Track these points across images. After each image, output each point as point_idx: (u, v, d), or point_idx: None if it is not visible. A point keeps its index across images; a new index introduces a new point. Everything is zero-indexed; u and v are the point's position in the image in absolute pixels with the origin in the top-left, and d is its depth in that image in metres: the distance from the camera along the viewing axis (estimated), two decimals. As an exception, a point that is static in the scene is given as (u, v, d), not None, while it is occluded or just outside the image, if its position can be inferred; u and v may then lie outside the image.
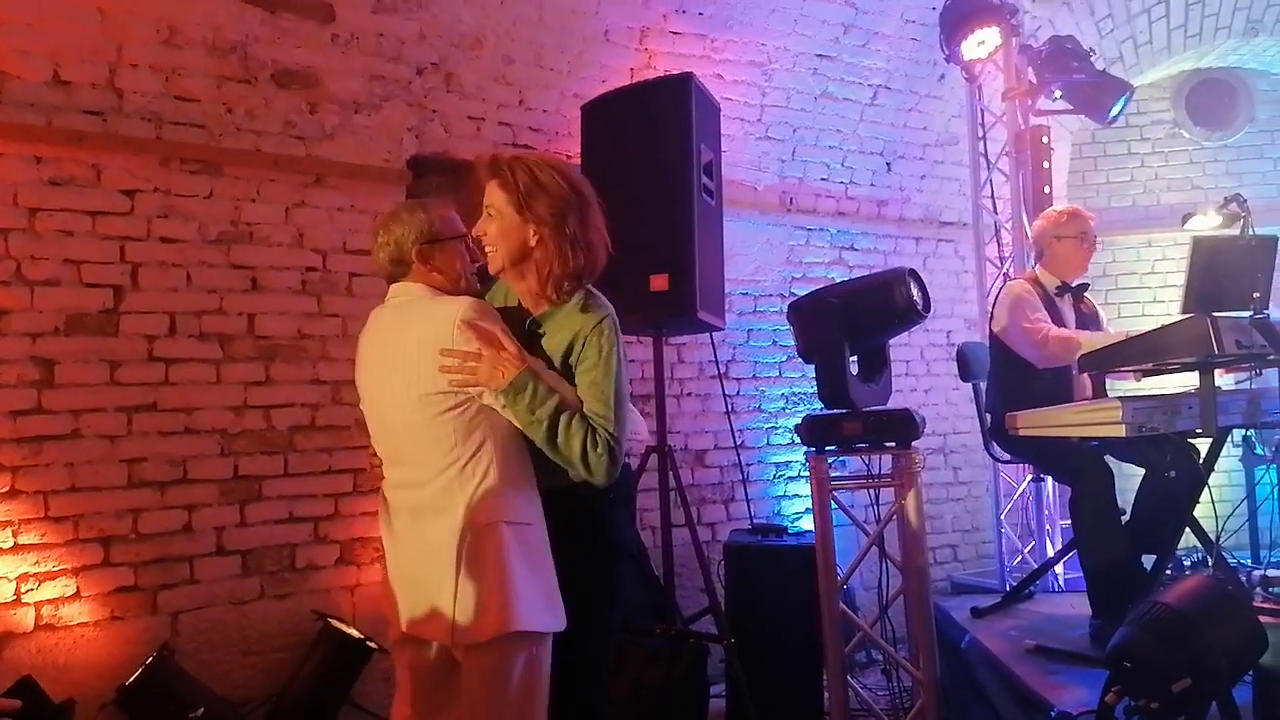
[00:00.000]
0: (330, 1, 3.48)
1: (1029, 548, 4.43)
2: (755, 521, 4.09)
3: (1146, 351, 2.69)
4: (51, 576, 3.07)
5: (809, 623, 3.08)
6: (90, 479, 3.15)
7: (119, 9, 3.13)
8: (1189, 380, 2.86)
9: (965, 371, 3.75)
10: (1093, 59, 4.37)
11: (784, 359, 4.85)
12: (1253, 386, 3.11)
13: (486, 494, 1.94)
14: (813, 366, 2.97)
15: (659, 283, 3.18)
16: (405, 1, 3.59)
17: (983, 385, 3.67)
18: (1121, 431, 2.62)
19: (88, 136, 3.16)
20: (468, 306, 1.95)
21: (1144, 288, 5.89)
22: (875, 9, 4.61)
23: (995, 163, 4.67)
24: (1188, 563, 3.91)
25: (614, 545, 2.15)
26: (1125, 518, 3.12)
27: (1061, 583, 4.14)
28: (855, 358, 3.08)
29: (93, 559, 3.14)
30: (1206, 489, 2.98)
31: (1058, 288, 3.45)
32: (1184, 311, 2.67)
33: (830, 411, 2.93)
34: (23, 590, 3.02)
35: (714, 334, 3.82)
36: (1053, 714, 2.45)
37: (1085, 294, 3.53)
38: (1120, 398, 2.72)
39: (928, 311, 2.97)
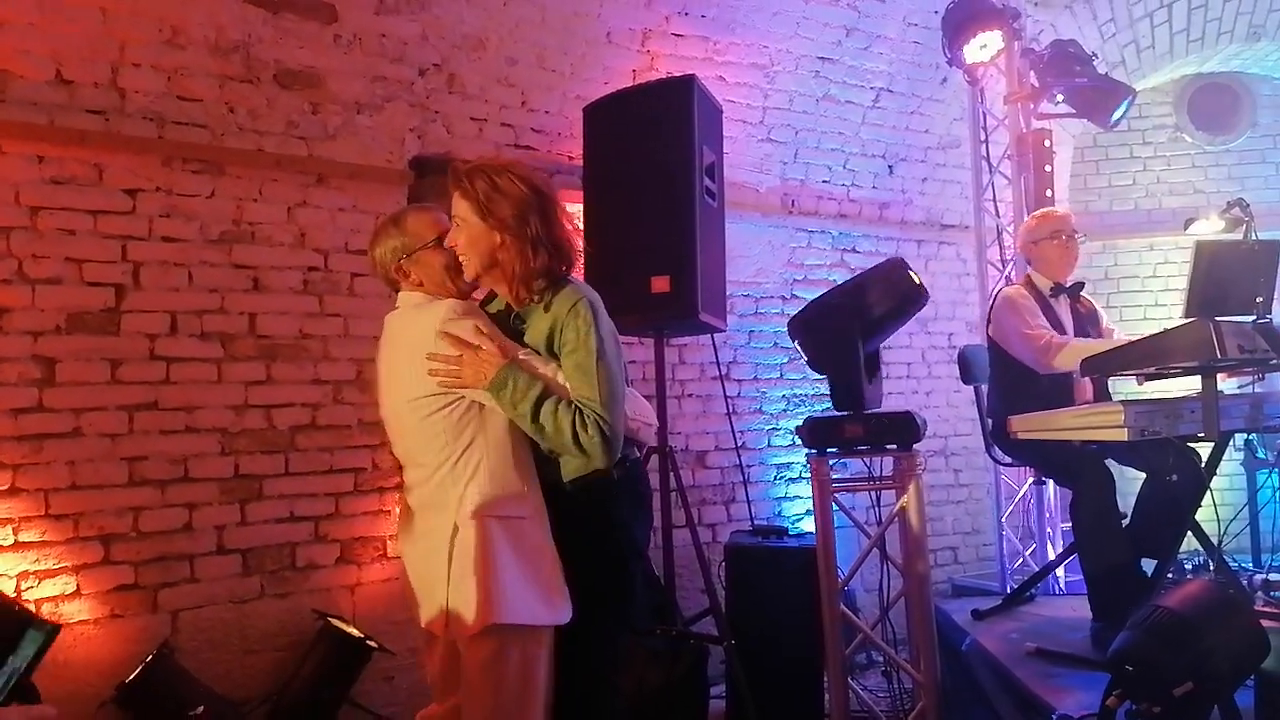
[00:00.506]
0: (333, 2, 3.48)
1: (1030, 550, 4.43)
2: (756, 523, 4.09)
3: (1149, 355, 2.69)
4: (52, 574, 3.07)
5: (809, 624, 3.07)
6: (91, 477, 3.15)
7: (121, 9, 3.13)
8: (1191, 384, 2.86)
9: (966, 374, 3.75)
10: (1095, 63, 4.37)
11: (785, 361, 4.85)
12: (1255, 391, 3.12)
13: (477, 490, 2.00)
14: (821, 374, 2.96)
15: (660, 284, 3.18)
16: (408, 2, 3.59)
17: (984, 388, 3.67)
18: (1124, 435, 2.62)
19: (90, 136, 3.16)
20: (449, 308, 2.03)
21: (1145, 291, 5.89)
22: (878, 12, 4.61)
23: (997, 166, 4.67)
24: (1189, 567, 3.91)
25: (623, 542, 2.14)
26: (1125, 521, 3.12)
27: (1062, 585, 4.14)
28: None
29: (93, 557, 3.14)
30: (1208, 493, 2.98)
31: (1051, 289, 3.45)
32: (1186, 316, 2.67)
33: (832, 413, 2.93)
34: (23, 588, 3.02)
35: (715, 335, 3.82)
36: (1054, 717, 2.45)
37: (1082, 293, 3.54)
38: (1122, 401, 2.72)
39: (928, 295, 2.97)
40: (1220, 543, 3.12)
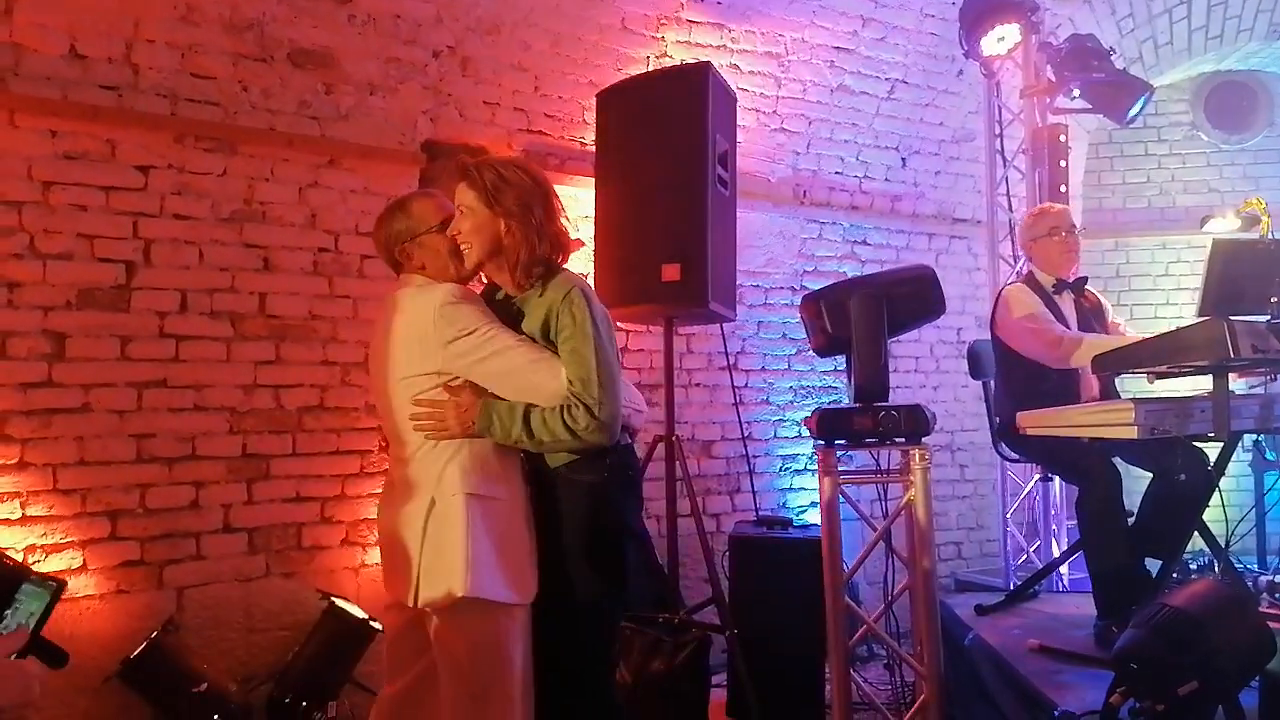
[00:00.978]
0: (348, -19, 3.47)
1: (1034, 547, 4.43)
2: (761, 513, 4.09)
3: (1162, 353, 2.68)
4: (59, 549, 3.08)
5: (812, 615, 3.07)
6: (99, 453, 3.16)
7: (137, -16, 3.12)
8: (1201, 384, 2.85)
9: (976, 369, 3.74)
10: (1113, 58, 4.33)
11: (793, 352, 4.84)
12: (1266, 391, 3.10)
13: (457, 468, 2.07)
14: (829, 360, 2.94)
15: (671, 272, 3.17)
16: (423, -17, 3.58)
17: (992, 384, 3.66)
18: (1133, 433, 2.61)
19: (103, 111, 3.16)
20: (446, 292, 2.10)
21: (1157, 290, 5.86)
22: (894, 3, 4.58)
23: (1011, 160, 4.64)
24: (1194, 567, 3.91)
25: (614, 526, 2.16)
26: (1131, 520, 3.11)
27: (1066, 583, 4.13)
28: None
29: (100, 532, 3.15)
30: (1216, 493, 2.97)
31: (1054, 285, 3.44)
32: (1200, 314, 2.66)
33: (842, 405, 2.92)
34: (30, 562, 3.03)
35: (724, 325, 3.81)
36: (1056, 714, 2.44)
37: (1088, 288, 3.52)
38: (1133, 399, 2.71)
39: (945, 310, 2.96)
40: (1227, 544, 3.11)
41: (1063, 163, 4.41)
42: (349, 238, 3.63)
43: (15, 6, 2.98)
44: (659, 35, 4.18)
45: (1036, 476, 4.39)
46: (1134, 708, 2.08)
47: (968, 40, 4.41)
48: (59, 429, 3.10)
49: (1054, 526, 4.37)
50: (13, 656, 1.51)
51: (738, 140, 3.56)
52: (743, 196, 3.77)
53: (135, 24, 3.17)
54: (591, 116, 3.73)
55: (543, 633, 2.14)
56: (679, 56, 4.22)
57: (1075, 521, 3.28)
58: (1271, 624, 2.23)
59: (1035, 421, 3.14)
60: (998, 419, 3.53)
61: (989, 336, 3.57)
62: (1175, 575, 3.07)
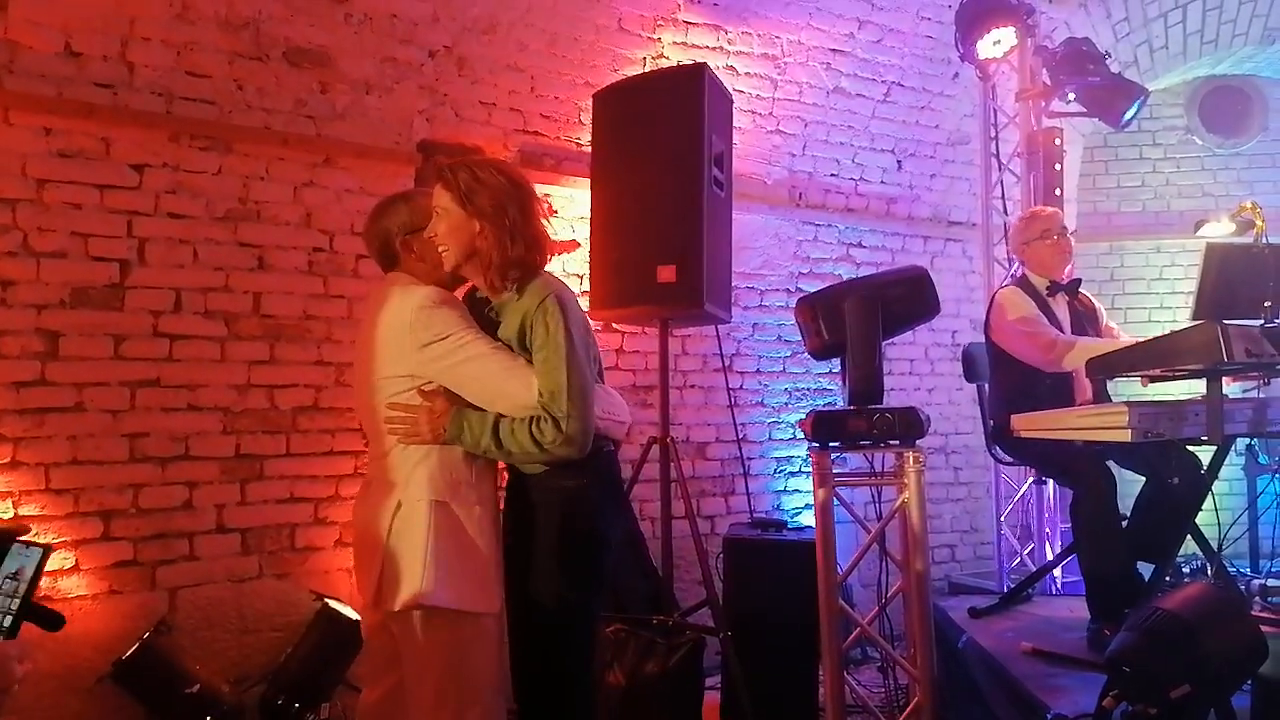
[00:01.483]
0: (344, -19, 3.46)
1: (1028, 550, 4.43)
2: (755, 515, 4.09)
3: (1156, 357, 2.68)
4: (51, 549, 3.06)
5: (806, 617, 3.07)
6: (92, 453, 3.15)
7: (132, -18, 3.12)
8: (1195, 387, 2.85)
9: (970, 372, 3.74)
10: (1108, 62, 4.34)
11: (788, 354, 4.85)
12: (1260, 395, 3.11)
13: (425, 472, 2.07)
14: (824, 362, 2.94)
15: (666, 274, 3.16)
16: (420, -17, 3.58)
17: (987, 386, 3.67)
18: (1127, 436, 2.61)
19: (98, 109, 3.15)
20: (425, 295, 2.09)
21: (1151, 293, 5.87)
22: (890, 5, 4.59)
23: (1007, 163, 4.65)
24: (1186, 570, 3.91)
25: (585, 534, 2.14)
26: (1125, 523, 3.12)
27: (1059, 586, 4.14)
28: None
29: (92, 533, 3.14)
30: (1209, 497, 2.97)
31: (1048, 288, 3.45)
32: (1195, 317, 2.67)
33: (836, 408, 2.92)
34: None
35: (719, 326, 3.81)
36: (1049, 716, 2.45)
37: (1081, 291, 3.52)
38: (1127, 402, 2.71)
39: (939, 312, 2.97)
40: (1220, 547, 3.12)
41: (1058, 166, 4.42)
42: (344, 237, 3.62)
43: (10, 3, 2.97)
44: (655, 36, 4.18)
45: (1030, 479, 4.39)
46: (1126, 711, 2.09)
47: (963, 43, 4.42)
48: (52, 428, 3.09)
49: (1048, 529, 4.38)
50: (6, 621, 1.50)
51: (734, 142, 3.56)
52: (738, 198, 3.77)
53: (130, 22, 3.16)
54: (587, 117, 3.73)
55: (516, 640, 2.15)
56: (675, 58, 4.22)
57: (1069, 525, 3.28)
58: (1264, 628, 2.24)
59: (1029, 424, 3.14)
60: (992, 422, 3.54)
61: (983, 339, 3.58)
62: (1168, 579, 3.07)
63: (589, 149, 3.62)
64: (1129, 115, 4.35)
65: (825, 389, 4.93)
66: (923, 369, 5.34)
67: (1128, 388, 3.58)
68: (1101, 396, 3.34)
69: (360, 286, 3.63)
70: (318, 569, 3.53)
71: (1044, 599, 3.82)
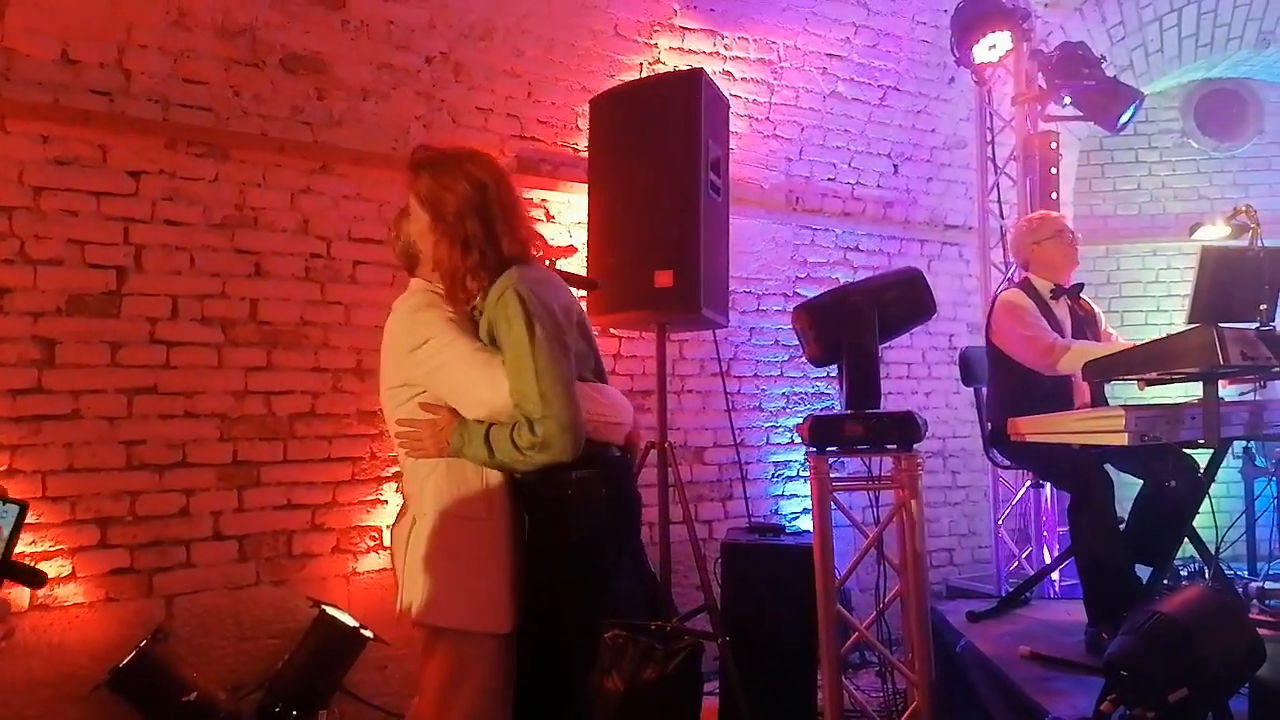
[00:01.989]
0: (341, -13, 3.47)
1: (1025, 554, 4.43)
2: (753, 520, 4.09)
3: (1152, 360, 2.69)
4: (48, 556, 3.06)
5: (804, 622, 3.07)
6: (89, 460, 3.14)
7: (129, -11, 3.12)
8: (1192, 390, 2.86)
9: (967, 376, 3.74)
10: (1103, 66, 4.35)
11: (785, 358, 4.85)
12: (1256, 398, 3.11)
13: (434, 485, 2.02)
14: (822, 368, 2.94)
15: (663, 279, 3.17)
16: (416, -10, 3.58)
17: (984, 390, 3.67)
18: (1124, 440, 2.62)
19: (94, 116, 3.15)
20: (415, 300, 2.06)
21: (1148, 296, 5.88)
22: (886, 10, 4.60)
23: (1003, 167, 4.66)
24: (1184, 573, 3.91)
25: (569, 541, 2.03)
26: (1122, 527, 3.12)
27: (1057, 589, 4.14)
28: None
29: (89, 540, 3.14)
30: (1206, 500, 2.98)
31: (1052, 291, 3.45)
32: (1190, 321, 2.67)
33: (834, 412, 2.93)
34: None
35: (716, 331, 3.81)
36: (1047, 720, 2.45)
37: (1081, 295, 3.53)
38: (1124, 406, 2.71)
39: (936, 311, 2.97)
40: (1217, 550, 3.12)
41: (1054, 170, 4.43)
42: (341, 243, 3.62)
43: (6, 11, 2.97)
44: (652, 42, 4.18)
45: (1028, 483, 4.40)
46: (1125, 715, 2.09)
47: (959, 48, 4.43)
48: (48, 435, 3.09)
49: (1045, 533, 4.38)
50: None
51: (730, 147, 3.57)
52: (735, 203, 3.78)
53: (127, 29, 3.16)
54: (584, 123, 3.73)
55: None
56: (672, 63, 4.23)
57: (1066, 528, 3.28)
58: (1261, 631, 2.24)
59: (1027, 428, 3.15)
60: (990, 425, 3.54)
61: (980, 343, 3.58)
62: (1166, 582, 3.08)
63: (586, 154, 3.62)
64: (1125, 119, 4.36)
65: (823, 393, 4.93)
66: (920, 373, 5.34)
67: (1126, 391, 3.59)
68: (1099, 400, 3.33)
69: (357, 292, 3.63)
70: (315, 576, 3.53)
71: (1042, 602, 3.82)
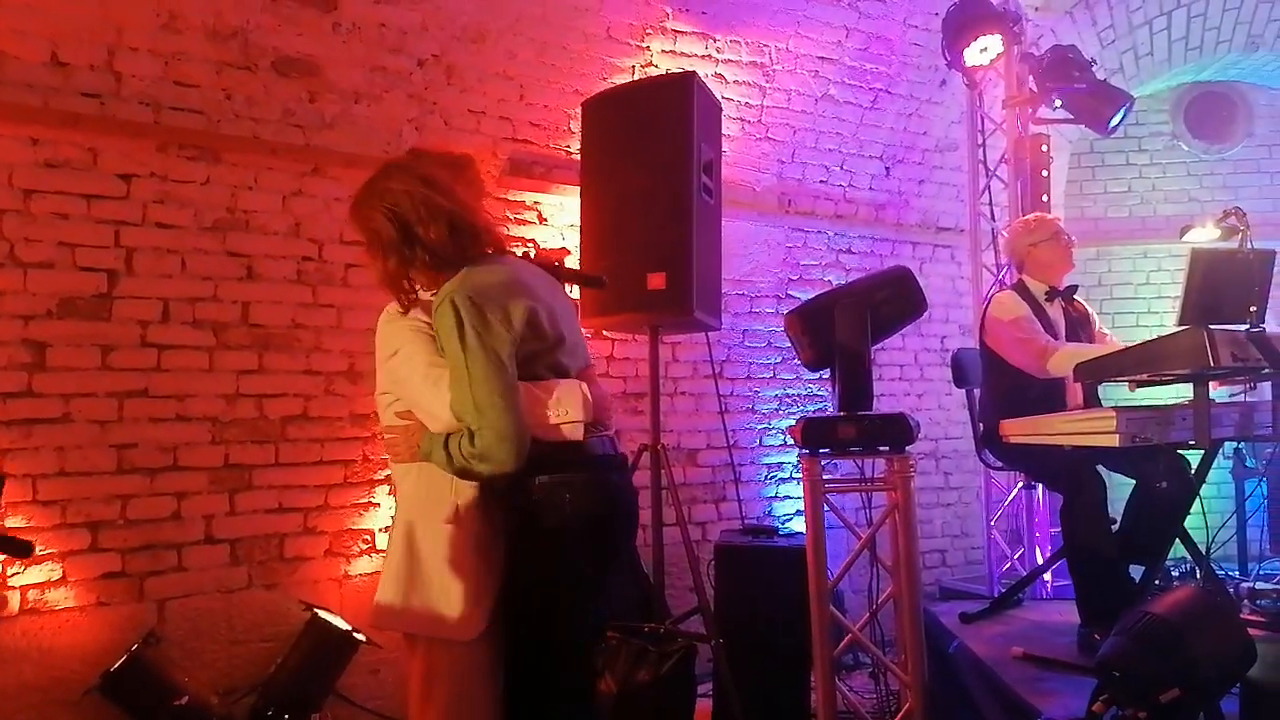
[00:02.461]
0: (333, -10, 3.46)
1: (1018, 554, 4.44)
2: (746, 522, 4.09)
3: (1143, 362, 2.70)
4: (38, 560, 3.05)
5: (797, 624, 3.07)
6: (79, 464, 3.13)
7: (120, -8, 3.11)
8: (1182, 392, 2.87)
9: (960, 378, 3.75)
10: (1094, 69, 4.37)
11: (778, 360, 4.85)
12: (1246, 399, 3.12)
13: (412, 490, 2.06)
14: (816, 371, 2.94)
15: (656, 281, 3.17)
16: (408, -8, 3.58)
17: (976, 392, 3.68)
18: (1115, 441, 2.63)
19: (85, 119, 3.14)
20: (388, 309, 2.08)
21: (1138, 298, 5.91)
22: (878, 13, 4.61)
23: (994, 170, 4.67)
24: (1175, 574, 3.92)
25: (537, 545, 2.00)
26: (1115, 527, 3.13)
27: (1049, 590, 4.15)
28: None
29: (80, 544, 3.12)
30: (1197, 500, 2.99)
31: (1046, 293, 3.46)
32: (1180, 323, 2.68)
33: (826, 414, 2.93)
34: (8, 574, 3.01)
35: (709, 333, 3.82)
36: (1039, 721, 2.45)
37: (1075, 297, 3.54)
38: (1115, 408, 2.72)
39: (928, 308, 2.97)
40: (1208, 550, 3.14)
41: (1045, 172, 4.45)
42: (333, 246, 3.61)
43: (-4, 14, 2.97)
44: (644, 45, 4.19)
45: (1020, 484, 4.41)
46: (1116, 715, 2.09)
47: (950, 51, 4.44)
48: (39, 439, 3.07)
49: (1037, 534, 4.39)
50: None
51: (723, 149, 3.57)
52: (728, 205, 3.78)
53: (117, 31, 3.15)
54: (577, 125, 3.73)
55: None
56: (664, 66, 4.24)
57: (1059, 529, 3.29)
58: (1252, 631, 2.25)
59: (1019, 429, 3.15)
60: (982, 426, 3.55)
61: (972, 345, 3.59)
62: (1157, 582, 3.09)
63: (578, 157, 3.62)
64: (1115, 121, 4.38)
65: (816, 395, 4.94)
66: (912, 375, 5.35)
67: (1117, 392, 3.60)
68: (1092, 401, 3.35)
69: (349, 295, 3.62)
70: (307, 579, 3.52)
71: (1034, 603, 3.83)
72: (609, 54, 4.12)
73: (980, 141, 4.70)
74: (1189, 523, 3.08)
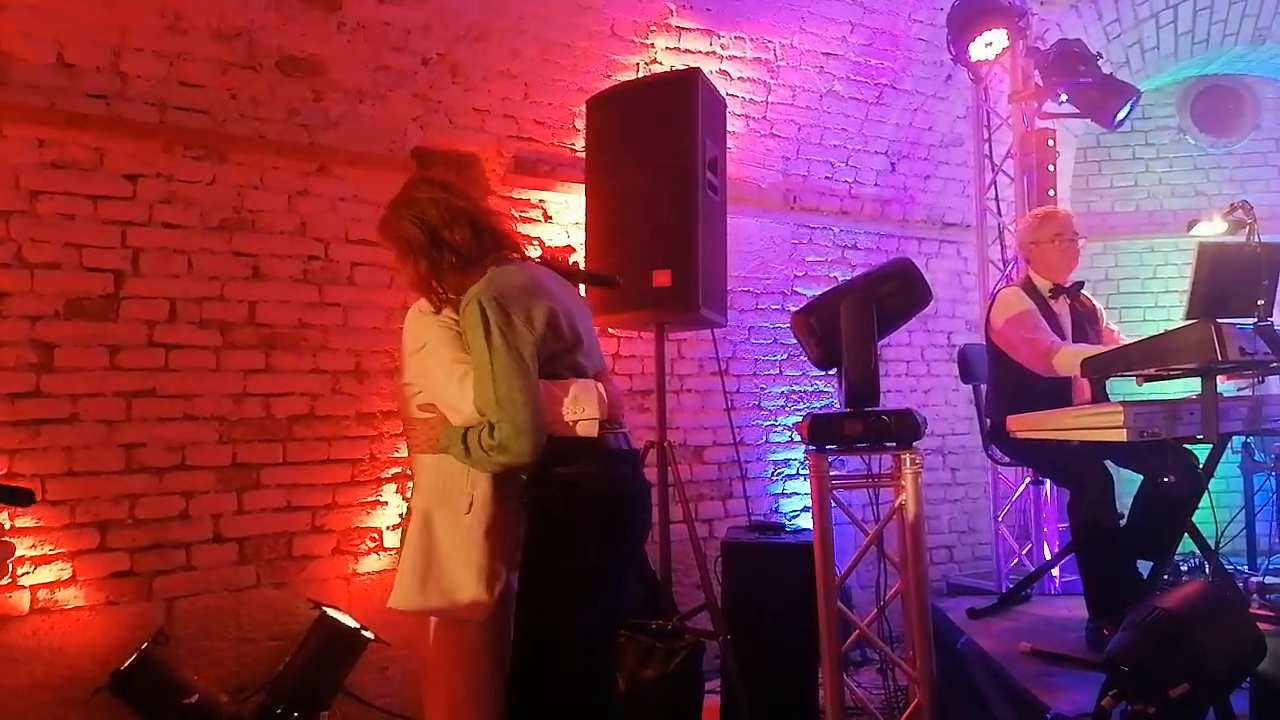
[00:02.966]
0: (337, -11, 3.46)
1: (1026, 550, 4.43)
2: (753, 519, 4.09)
3: (1151, 356, 2.69)
4: (47, 560, 3.06)
5: (805, 620, 3.07)
6: (88, 463, 3.14)
7: (125, -8, 3.12)
8: (1190, 386, 2.86)
9: (966, 373, 3.74)
10: (1099, 63, 4.35)
11: (784, 357, 4.85)
12: (1254, 393, 3.11)
13: (428, 479, 2.13)
14: (826, 370, 2.93)
15: (662, 278, 3.17)
16: (412, -9, 3.58)
17: (983, 387, 3.67)
18: (1123, 436, 2.62)
19: (91, 120, 3.15)
20: (417, 304, 2.19)
21: (1146, 293, 5.89)
22: (883, 8, 4.60)
23: (1000, 165, 4.66)
24: (1184, 569, 3.92)
25: (534, 535, 2.09)
26: (1123, 522, 3.12)
27: (1058, 585, 4.14)
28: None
29: (89, 543, 3.13)
30: (1206, 495, 2.98)
31: (1051, 290, 3.44)
32: (1188, 317, 2.67)
33: (833, 410, 2.93)
34: (18, 573, 3.02)
35: (715, 330, 3.81)
36: (1048, 716, 2.45)
37: (1082, 292, 3.52)
38: (1122, 403, 2.72)
39: (932, 296, 2.96)
40: (1217, 545, 3.13)
41: (1051, 167, 4.43)
42: (339, 245, 3.62)
43: (1, 15, 2.97)
44: (648, 42, 4.18)
45: (1027, 479, 4.40)
46: (1126, 710, 2.09)
47: (955, 45, 4.42)
48: (47, 439, 3.08)
49: (1045, 529, 4.38)
50: None
51: (728, 146, 3.57)
52: (733, 202, 3.78)
53: (123, 32, 3.16)
54: (582, 123, 3.73)
55: None
56: (669, 63, 4.23)
57: (1066, 524, 3.28)
58: (1262, 625, 2.24)
59: (1026, 425, 3.15)
60: (989, 422, 3.54)
61: (979, 340, 3.58)
62: (1166, 577, 3.08)
63: (583, 155, 3.62)
64: (1121, 116, 4.36)
65: (822, 391, 4.94)
66: (919, 370, 5.35)
67: (1125, 387, 3.58)
68: (1100, 396, 3.34)
69: (356, 294, 3.63)
70: (315, 577, 3.52)
71: (1042, 598, 3.83)
72: (613, 51, 4.12)
73: (986, 136, 4.69)
74: (1197, 517, 3.07)
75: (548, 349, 2.09)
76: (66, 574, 3.09)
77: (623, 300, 3.26)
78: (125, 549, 3.19)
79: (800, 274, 4.94)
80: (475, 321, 2.00)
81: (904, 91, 4.95)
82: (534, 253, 3.51)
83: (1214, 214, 3.25)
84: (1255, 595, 3.33)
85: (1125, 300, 5.85)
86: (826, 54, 4.62)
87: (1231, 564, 3.82)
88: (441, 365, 2.09)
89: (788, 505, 4.81)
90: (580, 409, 2.12)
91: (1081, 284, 3.52)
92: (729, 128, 3.68)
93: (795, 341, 3.09)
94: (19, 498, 1.64)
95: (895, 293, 2.81)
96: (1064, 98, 4.44)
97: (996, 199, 4.68)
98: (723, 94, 3.56)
